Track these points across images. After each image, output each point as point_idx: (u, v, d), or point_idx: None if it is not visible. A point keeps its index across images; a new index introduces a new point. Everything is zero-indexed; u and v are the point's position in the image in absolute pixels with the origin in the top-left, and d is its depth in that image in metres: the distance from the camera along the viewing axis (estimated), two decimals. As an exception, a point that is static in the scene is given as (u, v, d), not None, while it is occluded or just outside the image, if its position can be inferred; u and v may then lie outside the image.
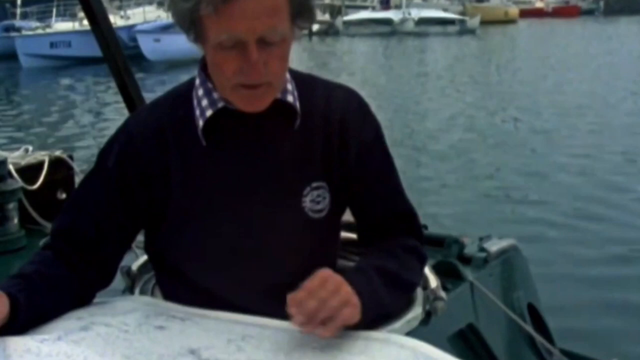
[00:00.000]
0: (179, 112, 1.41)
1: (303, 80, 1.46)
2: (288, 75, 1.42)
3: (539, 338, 2.23)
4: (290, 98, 1.40)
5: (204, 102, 1.39)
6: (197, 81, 1.42)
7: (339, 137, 1.44)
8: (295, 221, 1.41)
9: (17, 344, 1.19)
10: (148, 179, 1.39)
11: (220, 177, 1.39)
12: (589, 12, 52.21)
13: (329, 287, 1.21)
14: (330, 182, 1.44)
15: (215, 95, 1.39)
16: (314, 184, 1.42)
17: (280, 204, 1.40)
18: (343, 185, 1.45)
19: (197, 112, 1.39)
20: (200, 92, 1.40)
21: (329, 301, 1.19)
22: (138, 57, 21.02)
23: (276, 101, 1.39)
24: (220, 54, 1.29)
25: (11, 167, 2.76)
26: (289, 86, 1.41)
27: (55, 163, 2.98)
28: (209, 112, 1.38)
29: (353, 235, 1.71)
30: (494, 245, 2.28)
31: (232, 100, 1.36)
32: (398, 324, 1.48)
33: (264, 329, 1.30)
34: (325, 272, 1.23)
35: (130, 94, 2.62)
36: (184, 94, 1.44)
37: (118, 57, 2.56)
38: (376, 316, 1.32)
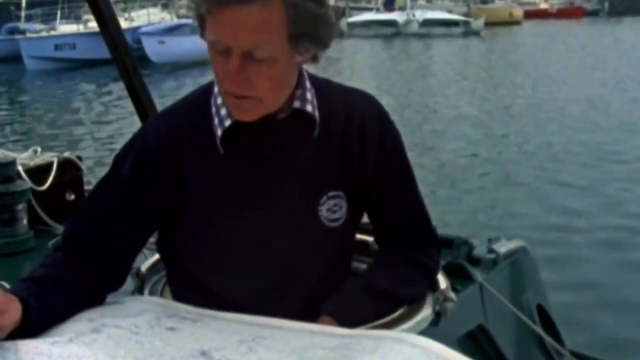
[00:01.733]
0: (196, 119, 1.40)
1: (321, 86, 1.44)
2: (308, 84, 1.40)
3: (548, 339, 2.22)
4: (309, 108, 1.38)
5: (223, 112, 1.37)
6: (217, 89, 1.40)
7: (359, 144, 1.43)
8: (311, 230, 1.41)
9: (28, 347, 1.19)
10: (163, 185, 1.38)
11: (237, 185, 1.38)
12: (594, 14, 52.04)
13: None
14: (348, 191, 1.43)
15: None
16: (331, 194, 1.41)
17: (296, 213, 1.39)
18: (361, 193, 1.45)
19: (216, 121, 1.38)
20: (220, 100, 1.39)
21: None
22: (142, 60, 20.99)
23: (295, 110, 1.38)
24: (214, 54, 1.30)
25: (20, 169, 2.75)
26: (309, 95, 1.39)
27: (64, 164, 2.97)
28: (228, 122, 1.36)
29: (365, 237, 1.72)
30: (503, 247, 2.28)
31: (225, 104, 1.36)
32: (408, 325, 1.47)
33: (275, 330, 1.29)
34: None
35: (138, 95, 2.62)
36: (200, 100, 1.43)
37: (127, 58, 2.56)
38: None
